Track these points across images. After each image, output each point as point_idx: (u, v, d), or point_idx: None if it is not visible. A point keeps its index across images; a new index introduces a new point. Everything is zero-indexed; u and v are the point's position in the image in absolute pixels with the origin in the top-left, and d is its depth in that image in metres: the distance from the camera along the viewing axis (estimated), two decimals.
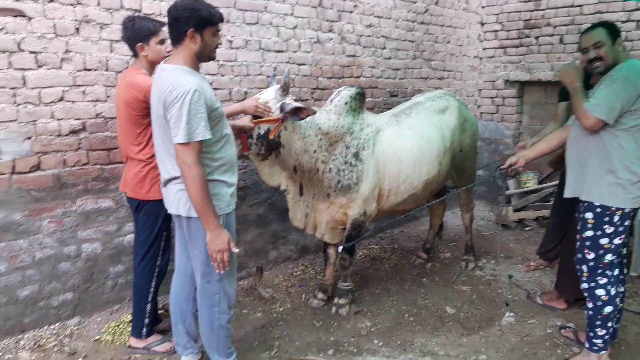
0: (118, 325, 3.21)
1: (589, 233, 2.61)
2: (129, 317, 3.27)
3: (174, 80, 2.17)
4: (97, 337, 3.10)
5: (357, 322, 3.42)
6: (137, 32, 2.67)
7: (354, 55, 4.62)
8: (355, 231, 3.40)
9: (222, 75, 3.73)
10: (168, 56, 2.46)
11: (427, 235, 4.53)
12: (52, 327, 3.14)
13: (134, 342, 2.95)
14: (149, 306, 2.90)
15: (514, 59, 5.88)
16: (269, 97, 2.94)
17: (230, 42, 3.73)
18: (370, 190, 3.36)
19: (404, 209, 3.75)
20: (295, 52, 4.16)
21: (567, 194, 2.75)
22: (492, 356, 2.97)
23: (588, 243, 2.61)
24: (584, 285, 2.69)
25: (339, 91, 3.31)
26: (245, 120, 2.89)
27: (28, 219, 2.96)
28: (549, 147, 3.02)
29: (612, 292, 2.63)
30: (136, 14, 3.15)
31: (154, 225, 2.83)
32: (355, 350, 3.08)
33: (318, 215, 3.42)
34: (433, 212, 4.45)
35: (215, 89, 3.66)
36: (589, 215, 2.59)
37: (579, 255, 2.67)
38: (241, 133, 2.86)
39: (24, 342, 2.99)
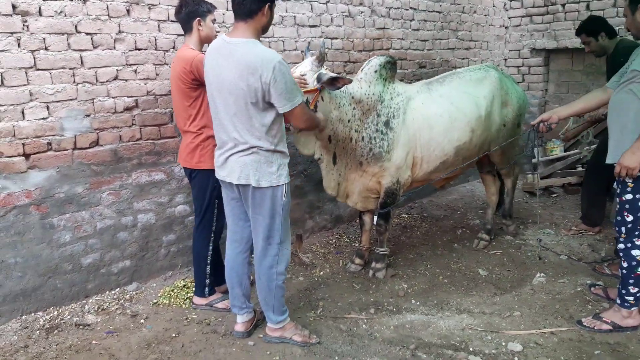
0: (172, 290, 3.45)
1: (629, 196, 2.70)
2: (182, 282, 3.53)
3: (263, 53, 2.34)
4: (155, 301, 3.34)
5: (394, 285, 3.62)
6: (197, 7, 2.86)
7: (383, 28, 4.71)
8: (390, 199, 3.50)
9: None
10: (216, 35, 2.63)
11: (486, 216, 4.34)
12: (113, 292, 3.39)
13: (197, 300, 3.21)
14: (208, 268, 3.13)
15: (540, 26, 5.90)
16: (306, 69, 3.01)
17: None
18: (402, 158, 3.42)
19: (437, 176, 3.74)
20: (327, 26, 4.26)
21: (609, 160, 2.83)
22: (525, 312, 3.15)
23: (627, 206, 2.71)
24: (621, 246, 2.81)
25: (369, 60, 3.40)
26: None
27: (89, 191, 3.18)
28: (585, 107, 3.12)
29: None
30: None
31: (206, 193, 3.03)
32: (394, 309, 3.28)
33: (350, 184, 3.50)
34: (489, 190, 4.33)
35: None
36: (629, 178, 2.71)
37: (618, 218, 2.78)
38: None
39: (89, 306, 3.24)
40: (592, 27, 4.05)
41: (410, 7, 4.93)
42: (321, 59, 3.04)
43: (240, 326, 2.91)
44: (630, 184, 2.68)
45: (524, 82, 6.16)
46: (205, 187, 3.02)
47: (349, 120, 3.26)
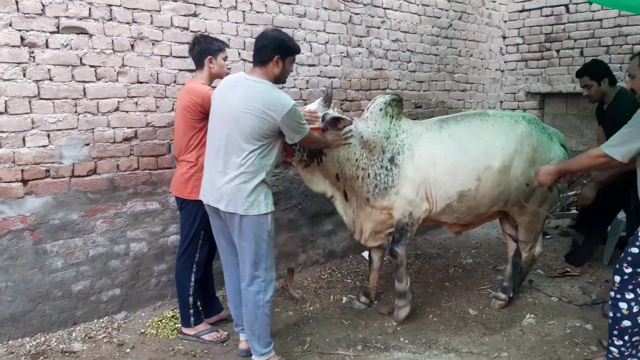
0: (161, 320, 3.45)
1: (635, 250, 2.67)
2: (171, 313, 3.53)
3: (280, 95, 2.63)
4: (143, 331, 3.34)
5: (383, 322, 3.61)
6: (209, 46, 3.01)
7: (380, 69, 4.85)
8: (399, 233, 3.41)
9: None
10: (229, 72, 2.79)
11: (505, 272, 3.93)
12: (101, 320, 3.39)
13: (185, 330, 3.23)
14: (191, 298, 3.15)
15: (535, 71, 6.05)
16: (313, 108, 3.16)
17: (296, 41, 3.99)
18: (412, 192, 3.34)
19: (446, 220, 3.57)
20: (326, 65, 4.40)
21: None
22: (514, 354, 3.14)
23: (630, 258, 2.69)
24: (611, 294, 2.78)
25: (375, 99, 3.45)
26: None
27: (84, 219, 3.23)
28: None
29: (635, 309, 2.68)
30: (197, 33, 3.42)
31: (193, 224, 3.09)
32: (382, 346, 3.27)
33: (363, 220, 3.51)
34: (509, 247, 3.94)
35: None
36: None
37: (617, 266, 2.76)
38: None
39: (76, 334, 3.24)
40: (597, 71, 3.96)
41: (408, 50, 5.09)
42: (327, 99, 3.16)
43: (244, 344, 3.01)
44: None
45: None
46: (193, 218, 3.08)
47: (356, 160, 3.31)
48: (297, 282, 4.25)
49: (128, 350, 3.12)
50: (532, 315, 3.60)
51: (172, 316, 3.49)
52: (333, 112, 3.20)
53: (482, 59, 6.04)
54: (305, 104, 4.27)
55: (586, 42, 5.57)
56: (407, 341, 3.33)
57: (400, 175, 3.33)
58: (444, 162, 3.35)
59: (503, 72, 6.33)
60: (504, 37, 6.26)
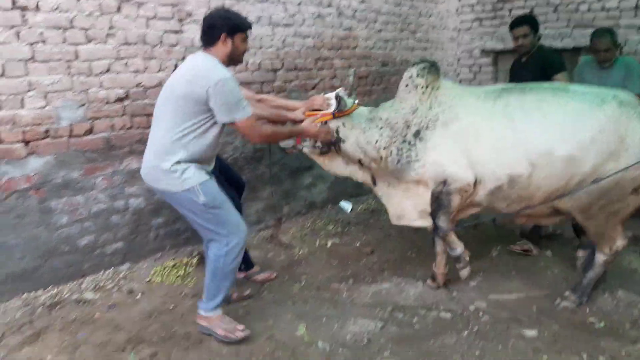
0: (164, 269, 3.66)
1: None
2: (172, 262, 3.76)
3: (213, 66, 2.50)
4: (148, 279, 3.56)
5: (368, 260, 3.96)
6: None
7: (350, 29, 5.09)
8: (436, 204, 3.07)
9: None
10: None
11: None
12: (107, 271, 3.58)
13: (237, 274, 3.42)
14: None
15: (489, 30, 6.44)
16: (331, 95, 3.20)
17: (246, 17, 4.13)
18: (444, 160, 2.97)
19: (499, 206, 3.09)
20: (300, 26, 4.59)
21: None
22: (490, 276, 3.57)
23: None
24: None
25: (404, 75, 3.19)
26: (298, 113, 3.22)
27: (84, 177, 3.37)
28: None
29: None
30: None
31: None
32: (370, 279, 3.62)
33: (401, 200, 3.31)
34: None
35: None
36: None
37: None
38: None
39: (86, 285, 3.43)
40: (535, 22, 4.02)
41: (374, 10, 5.33)
42: (348, 88, 3.25)
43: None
44: None
45: (476, 80, 6.68)
46: None
47: (376, 141, 3.17)
48: (283, 230, 4.53)
49: (138, 296, 3.34)
50: (499, 247, 4.04)
51: (174, 265, 3.72)
52: (344, 94, 3.21)
53: (440, 18, 6.36)
54: (283, 64, 4.50)
55: (536, 2, 5.96)
56: (391, 274, 3.69)
57: (426, 148, 3.01)
58: (490, 135, 2.87)
59: (459, 31, 6.68)
60: None
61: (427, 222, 3.28)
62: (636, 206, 2.86)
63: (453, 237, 3.21)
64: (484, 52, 6.57)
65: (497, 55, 6.55)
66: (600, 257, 3.05)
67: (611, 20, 5.45)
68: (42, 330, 2.90)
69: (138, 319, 3.05)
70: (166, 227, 3.83)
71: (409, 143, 3.06)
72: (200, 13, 3.78)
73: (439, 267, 3.40)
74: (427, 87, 3.06)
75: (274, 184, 4.46)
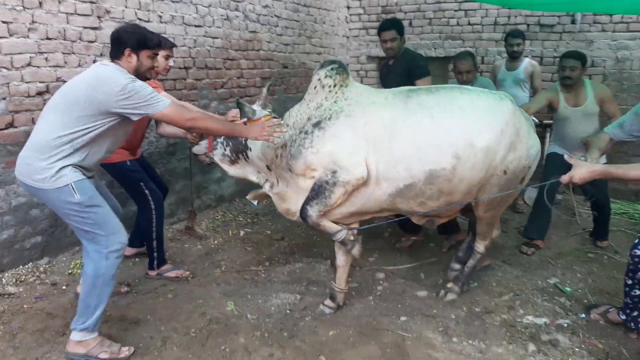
0: (82, 263, 3.75)
1: None
2: None
3: (116, 72, 2.48)
4: (70, 271, 3.63)
5: (280, 246, 4.40)
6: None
7: (255, 32, 5.45)
8: (314, 192, 2.87)
9: None
10: None
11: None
12: (26, 266, 3.59)
13: (150, 272, 3.66)
14: (154, 243, 3.57)
15: (374, 38, 7.17)
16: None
17: (160, 17, 4.32)
18: (340, 151, 2.81)
19: (405, 207, 3.00)
20: (210, 27, 4.86)
21: None
22: (384, 252, 4.20)
23: None
24: None
25: (312, 77, 3.09)
26: None
27: (4, 170, 3.35)
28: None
29: None
30: None
31: (127, 181, 3.47)
32: (284, 261, 4.06)
33: (290, 195, 3.13)
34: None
35: None
36: None
37: None
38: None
39: (6, 280, 3.42)
40: (401, 26, 4.11)
41: (275, 15, 5.75)
42: (262, 99, 3.28)
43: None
44: None
45: (363, 84, 7.40)
46: (123, 177, 3.45)
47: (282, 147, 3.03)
48: (196, 223, 4.78)
49: (64, 287, 3.42)
50: (389, 229, 4.71)
51: None
52: (260, 110, 3.20)
53: (332, 25, 6.97)
54: (194, 62, 4.74)
55: (414, 15, 6.82)
56: (302, 256, 4.16)
57: (323, 137, 2.85)
58: (407, 132, 2.83)
59: (348, 38, 7.36)
60: (348, 7, 7.26)
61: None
62: (517, 188, 3.15)
63: (327, 223, 2.97)
64: (370, 58, 7.32)
65: (380, 61, 7.34)
66: (480, 247, 3.39)
67: (475, 33, 6.47)
68: None
69: (70, 306, 3.16)
70: None
71: (306, 132, 2.88)
72: (119, 11, 3.93)
73: (340, 282, 3.23)
74: (334, 86, 2.97)
75: (191, 178, 4.66)
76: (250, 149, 3.15)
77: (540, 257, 4.13)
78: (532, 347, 2.83)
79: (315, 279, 3.74)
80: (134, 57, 2.58)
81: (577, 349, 2.83)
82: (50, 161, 2.43)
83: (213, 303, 3.32)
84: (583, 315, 3.18)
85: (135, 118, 2.52)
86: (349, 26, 7.33)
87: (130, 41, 2.55)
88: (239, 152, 3.19)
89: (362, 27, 7.27)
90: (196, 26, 4.70)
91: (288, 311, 3.25)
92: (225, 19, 5.03)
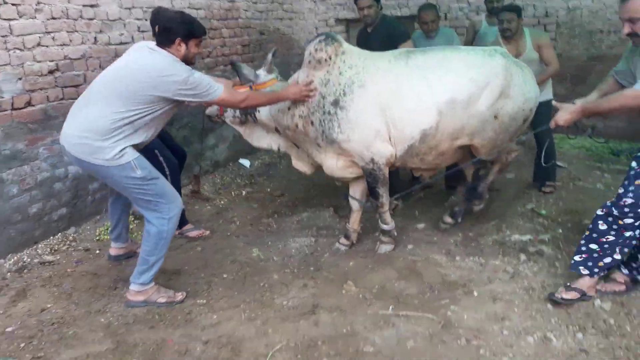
0: (107, 229, 3.99)
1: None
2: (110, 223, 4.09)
3: (168, 61, 2.68)
4: (98, 238, 3.89)
5: (282, 201, 4.75)
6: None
7: (233, 1, 5.63)
8: (371, 178, 3.27)
9: (146, 20, 4.49)
10: None
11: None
12: (56, 237, 3.81)
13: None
14: None
15: (341, 1, 7.45)
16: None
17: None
18: (367, 136, 3.11)
19: (413, 164, 3.40)
20: None
21: None
22: None
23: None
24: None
25: (304, 53, 3.25)
26: None
27: (28, 147, 3.54)
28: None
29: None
30: None
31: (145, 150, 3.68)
32: (291, 212, 4.41)
33: (322, 161, 3.39)
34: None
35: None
36: None
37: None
38: None
39: (41, 250, 3.64)
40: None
41: None
42: (267, 65, 3.41)
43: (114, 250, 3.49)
44: None
45: None
46: None
47: (289, 108, 3.26)
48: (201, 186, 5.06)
49: (97, 251, 3.69)
50: None
51: None
52: (265, 74, 3.39)
53: None
54: None
55: None
56: (305, 207, 4.54)
57: (349, 119, 3.09)
58: (409, 95, 3.09)
59: (316, 2, 7.58)
60: None
61: (341, 180, 3.64)
62: (523, 128, 3.50)
63: (388, 212, 3.46)
64: (338, 21, 7.59)
65: (348, 23, 7.64)
66: (496, 167, 3.71)
67: None
68: (24, 289, 3.15)
69: (110, 266, 3.45)
70: (102, 191, 4.13)
71: (329, 113, 3.10)
72: None
73: (354, 224, 3.63)
74: (330, 58, 3.11)
75: (202, 141, 4.84)
76: (259, 111, 3.42)
77: (517, 188, 4.66)
78: (523, 257, 3.35)
79: (322, 224, 4.13)
80: (183, 46, 2.73)
81: (559, 256, 3.36)
82: (113, 141, 2.65)
83: (239, 252, 3.67)
84: (560, 230, 3.73)
85: (195, 104, 2.79)
86: None
87: (182, 31, 2.71)
88: (248, 114, 3.47)
89: None
90: None
91: (307, 252, 3.64)
92: None
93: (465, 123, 3.16)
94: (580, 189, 4.59)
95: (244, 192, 5.01)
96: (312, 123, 3.18)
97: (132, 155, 2.71)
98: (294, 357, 2.48)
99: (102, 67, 4.01)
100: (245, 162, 5.88)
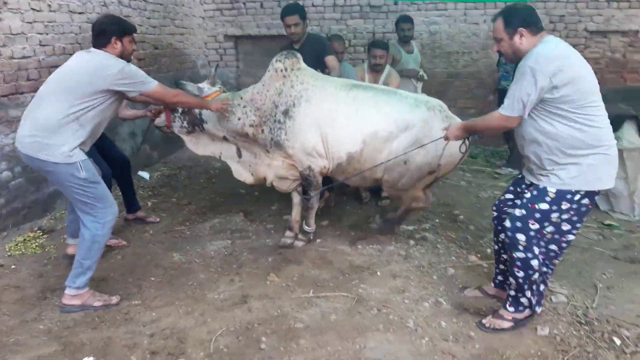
0: (17, 244, 3.95)
1: (545, 206, 2.61)
2: (22, 238, 4.05)
3: (111, 60, 2.95)
4: (9, 254, 3.81)
5: (190, 209, 4.97)
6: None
7: (128, 16, 5.72)
8: (306, 182, 3.79)
9: (47, 34, 4.47)
10: None
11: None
12: None
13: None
14: None
15: (229, 18, 7.83)
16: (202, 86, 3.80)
17: (49, 5, 4.47)
18: (308, 145, 3.60)
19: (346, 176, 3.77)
20: (91, 13, 5.07)
21: None
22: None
23: (538, 215, 2.62)
24: (519, 254, 2.70)
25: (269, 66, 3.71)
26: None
27: None
28: None
29: (541, 260, 2.74)
30: None
31: None
32: (201, 220, 4.67)
33: (264, 170, 3.89)
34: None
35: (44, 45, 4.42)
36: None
37: (519, 224, 2.68)
38: (165, 109, 3.78)
39: None
40: (304, 12, 4.45)
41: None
42: (210, 79, 3.83)
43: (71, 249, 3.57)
44: (551, 194, 2.59)
45: (222, 61, 8.02)
46: None
47: (239, 118, 3.71)
48: None
49: (13, 266, 3.64)
50: None
51: (24, 240, 4.03)
52: (209, 87, 3.78)
53: (190, 7, 7.42)
54: (81, 48, 4.97)
55: None
56: (214, 215, 4.83)
57: (294, 128, 3.59)
58: (342, 121, 3.55)
59: (204, 19, 7.86)
60: None
61: (280, 189, 4.01)
62: (430, 182, 3.77)
63: (313, 214, 3.99)
64: (227, 37, 7.96)
65: (237, 39, 8.02)
66: (401, 208, 3.99)
67: (319, 14, 7.52)
68: None
69: (35, 276, 3.47)
70: (7, 207, 4.04)
71: (279, 122, 3.61)
72: (14, 2, 4.05)
73: (295, 216, 4.08)
74: (286, 69, 3.61)
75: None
76: (206, 122, 3.79)
77: None
78: (412, 242, 4.05)
79: (235, 228, 4.47)
80: (119, 44, 3.02)
81: (439, 240, 4.12)
82: (61, 137, 2.84)
83: (160, 257, 3.87)
84: (437, 220, 4.51)
85: (132, 95, 2.99)
86: (204, 7, 7.83)
87: (116, 30, 3.01)
88: (195, 124, 3.83)
89: (217, 9, 7.83)
90: (80, 13, 4.89)
91: (226, 252, 3.96)
92: (102, 5, 5.26)
93: (383, 158, 3.54)
94: (449, 186, 5.51)
95: (149, 203, 5.12)
96: (262, 131, 3.67)
97: (80, 156, 2.90)
98: (235, 339, 2.83)
99: (5, 82, 3.98)
100: (145, 175, 5.96)
